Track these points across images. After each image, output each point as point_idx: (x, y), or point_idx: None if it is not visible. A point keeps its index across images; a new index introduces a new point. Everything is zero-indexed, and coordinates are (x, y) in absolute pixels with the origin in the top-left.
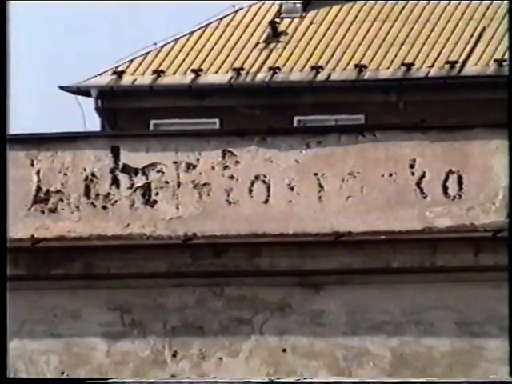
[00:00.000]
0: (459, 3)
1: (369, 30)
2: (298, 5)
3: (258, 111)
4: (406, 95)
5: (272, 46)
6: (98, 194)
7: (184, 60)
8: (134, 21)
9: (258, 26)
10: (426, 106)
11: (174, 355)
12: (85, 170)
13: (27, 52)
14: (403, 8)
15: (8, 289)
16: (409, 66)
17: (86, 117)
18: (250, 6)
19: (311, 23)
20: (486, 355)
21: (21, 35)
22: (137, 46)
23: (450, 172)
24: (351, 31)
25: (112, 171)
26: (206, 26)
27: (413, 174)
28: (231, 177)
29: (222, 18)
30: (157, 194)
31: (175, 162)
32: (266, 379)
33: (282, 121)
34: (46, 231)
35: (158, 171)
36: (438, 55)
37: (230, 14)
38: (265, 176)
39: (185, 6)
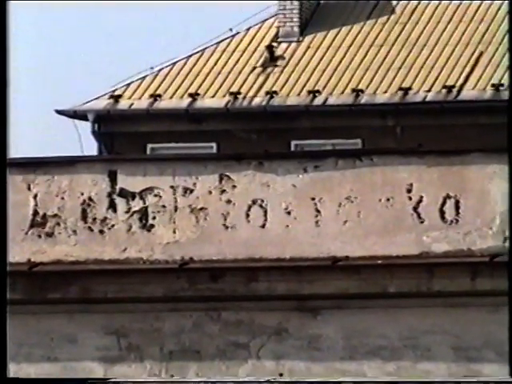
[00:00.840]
0: (456, 27)
1: (366, 55)
2: (296, 29)
3: (254, 135)
4: (403, 120)
5: (269, 70)
6: (95, 218)
7: (181, 84)
8: (130, 44)
9: (255, 50)
10: (423, 130)
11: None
12: (82, 194)
13: (23, 75)
14: (400, 32)
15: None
16: (406, 91)
17: (82, 141)
18: (248, 31)
19: (308, 47)
20: (482, 380)
21: (17, 58)
22: (133, 69)
23: (448, 197)
24: (348, 55)
25: (109, 195)
26: (203, 50)
27: (410, 198)
28: (228, 201)
29: (219, 43)
30: (154, 218)
31: (172, 187)
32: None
33: (279, 145)
34: (42, 255)
35: (155, 195)
36: (436, 80)
37: (227, 39)
38: (262, 200)
39: (182, 29)
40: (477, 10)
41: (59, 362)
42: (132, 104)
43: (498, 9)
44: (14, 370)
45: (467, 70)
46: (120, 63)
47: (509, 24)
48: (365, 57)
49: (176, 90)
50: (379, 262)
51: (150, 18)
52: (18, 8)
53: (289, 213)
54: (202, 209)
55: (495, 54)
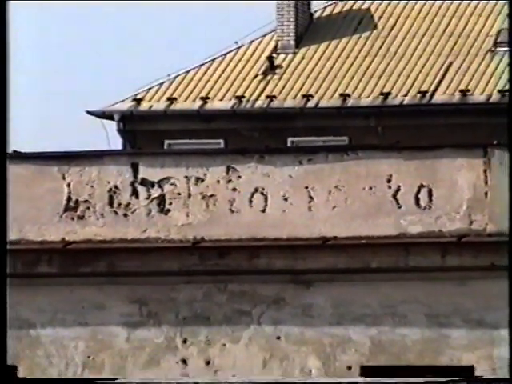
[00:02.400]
0: (429, 41)
1: (352, 64)
2: (292, 42)
3: (256, 133)
4: (384, 120)
5: (269, 77)
6: (119, 204)
7: (193, 89)
8: (150, 54)
9: (258, 60)
10: (400, 129)
11: (185, 341)
12: (108, 182)
13: (56, 82)
14: (381, 45)
15: (43, 284)
16: (386, 95)
17: (109, 138)
18: (251, 43)
19: (303, 58)
20: (451, 343)
21: (49, 65)
22: (153, 76)
23: (422, 186)
24: (337, 65)
25: (132, 184)
26: (213, 59)
27: (389, 187)
28: (234, 189)
29: (226, 53)
30: (170, 203)
31: (186, 177)
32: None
33: (277, 142)
34: (75, 235)
35: (171, 184)
36: (411, 86)
37: (233, 50)
38: (263, 189)
39: (194, 41)
40: (447, 27)
41: (89, 326)
42: (151, 106)
43: (465, 25)
44: (50, 334)
45: (438, 77)
46: (142, 69)
47: (509, 25)
48: (351, 66)
49: (189, 94)
50: (363, 241)
51: (166, 30)
52: (51, 17)
53: (286, 199)
54: (211, 196)
55: (462, 64)
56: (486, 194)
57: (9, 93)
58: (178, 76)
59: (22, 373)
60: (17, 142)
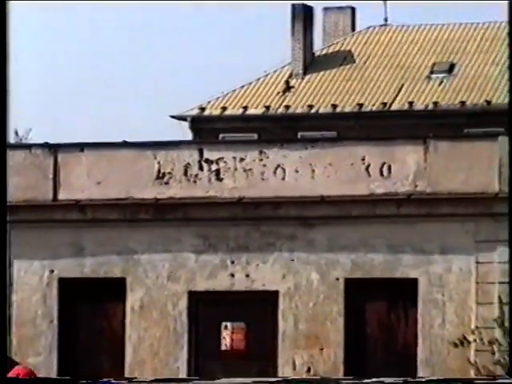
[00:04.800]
0: (389, 70)
1: (339, 85)
2: (301, 71)
3: (278, 129)
4: (360, 121)
5: (286, 94)
6: (191, 174)
7: (238, 101)
8: (208, 76)
9: (279, 83)
10: (370, 127)
11: (232, 262)
12: (184, 161)
13: (142, 87)
14: (358, 73)
15: (142, 226)
16: (361, 105)
17: (184, 132)
18: (274, 72)
19: (308, 82)
20: (402, 263)
21: (133, 77)
22: (213, 92)
23: (384, 163)
24: (330, 86)
25: (199, 162)
26: (250, 83)
27: (363, 164)
28: (264, 165)
29: (258, 79)
30: (223, 174)
31: (234, 157)
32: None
33: (291, 135)
34: (162, 194)
35: (224, 162)
36: (377, 99)
37: (262, 76)
38: (282, 165)
39: (237, 69)
40: (400, 61)
41: (171, 252)
42: (211, 112)
43: (412, 59)
44: (146, 257)
45: (395, 93)
46: (203, 87)
47: (509, 26)
48: (339, 86)
49: (235, 104)
50: (347, 198)
51: (220, 61)
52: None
53: (297, 171)
54: (249, 169)
55: (410, 85)
56: (425, 168)
57: (8, 90)
58: (228, 93)
59: (129, 283)
60: (123, 136)
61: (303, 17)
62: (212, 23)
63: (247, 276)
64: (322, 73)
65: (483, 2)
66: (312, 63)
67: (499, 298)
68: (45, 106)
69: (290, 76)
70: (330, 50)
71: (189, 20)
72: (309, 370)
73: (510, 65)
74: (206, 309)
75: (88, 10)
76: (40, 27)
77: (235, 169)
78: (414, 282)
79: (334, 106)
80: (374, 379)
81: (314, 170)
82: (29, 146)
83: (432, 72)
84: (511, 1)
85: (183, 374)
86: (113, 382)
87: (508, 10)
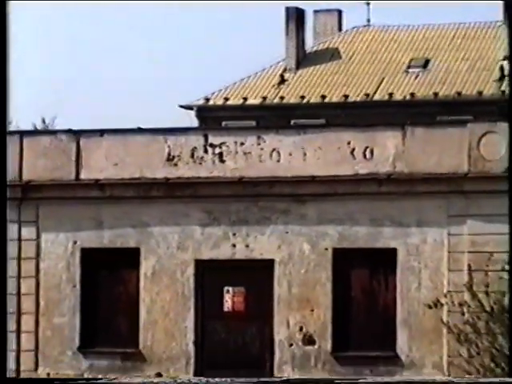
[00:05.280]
0: (370, 66)
1: (327, 79)
2: (294, 66)
3: (274, 117)
4: (345, 110)
5: (281, 86)
6: (197, 157)
7: (238, 92)
8: (213, 70)
9: (275, 76)
10: (354, 115)
11: (234, 234)
12: (191, 145)
13: (154, 78)
14: (344, 68)
15: (154, 202)
16: (346, 96)
17: (191, 120)
18: (271, 67)
19: (300, 76)
20: (383, 236)
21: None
22: (216, 85)
23: (367, 147)
24: (319, 79)
25: (204, 146)
26: (249, 76)
27: (349, 147)
28: (261, 149)
29: (256, 73)
30: (226, 156)
31: (235, 142)
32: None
33: (285, 122)
34: (172, 174)
35: (226, 146)
36: (360, 91)
37: (260, 70)
38: (278, 148)
39: (239, 64)
40: (381, 57)
41: (180, 226)
42: (215, 102)
43: (391, 56)
44: (158, 230)
45: (376, 86)
46: (207, 79)
47: (508, 26)
48: (327, 80)
49: (236, 95)
50: (335, 178)
51: (221, 56)
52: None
53: (290, 154)
54: (248, 152)
55: (390, 79)
56: (403, 151)
57: (8, 87)
58: (229, 85)
59: (142, 253)
60: (137, 123)
61: (296, 18)
62: (215, 24)
63: (247, 246)
64: (312, 68)
65: (455, 4)
66: (304, 59)
67: (468, 265)
68: (68, 96)
69: (284, 70)
70: (320, 48)
71: (195, 21)
72: (301, 329)
73: (510, 64)
74: (211, 275)
75: (103, 4)
76: (63, 17)
77: (236, 152)
78: (393, 252)
79: (323, 97)
80: (369, 379)
81: (305, 153)
82: (54, 132)
83: (409, 67)
84: (508, 2)
85: (190, 333)
86: (113, 381)
87: (507, 10)
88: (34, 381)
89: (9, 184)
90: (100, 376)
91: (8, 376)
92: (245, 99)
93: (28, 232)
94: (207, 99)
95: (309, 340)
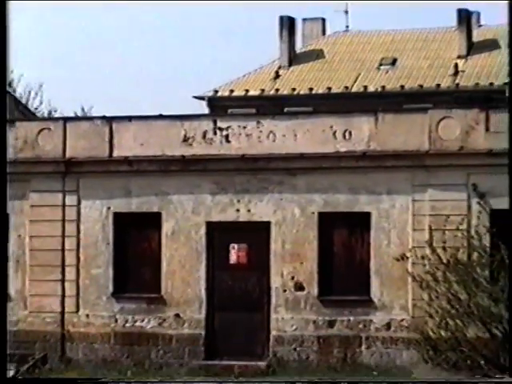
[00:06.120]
0: (349, 64)
1: (314, 75)
2: (286, 64)
3: (270, 106)
4: (329, 100)
5: (276, 81)
6: (208, 138)
7: (241, 85)
8: (221, 67)
9: (270, 73)
10: (336, 104)
11: (238, 201)
12: (203, 128)
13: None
14: (328, 66)
15: (174, 176)
16: (329, 88)
17: (203, 108)
18: (268, 65)
19: (291, 72)
20: (359, 202)
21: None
22: (224, 79)
23: (346, 129)
24: (306, 75)
25: (213, 129)
26: (250, 73)
27: (331, 130)
28: (260, 131)
29: (256, 69)
30: (231, 137)
31: (238, 126)
32: None
33: (279, 109)
34: (187, 152)
35: (232, 129)
36: (341, 84)
37: (259, 68)
38: (274, 131)
39: (243, 63)
40: (358, 57)
41: (193, 194)
42: (222, 94)
43: (365, 55)
44: (176, 198)
45: (353, 80)
46: (216, 73)
47: (509, 24)
48: (313, 76)
49: (240, 88)
50: (320, 155)
51: (227, 54)
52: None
53: (284, 136)
54: (249, 134)
55: (365, 75)
56: (376, 133)
57: (6, 82)
58: (234, 80)
59: (163, 216)
60: (159, 110)
61: (288, 25)
62: (224, 29)
63: (248, 211)
64: (301, 65)
65: (418, 11)
66: (294, 58)
67: (429, 226)
68: (103, 89)
69: (279, 68)
70: (307, 49)
71: (208, 27)
72: (292, 278)
73: (510, 63)
74: (219, 234)
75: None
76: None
77: (239, 134)
78: (367, 215)
79: (311, 89)
80: (369, 379)
81: (296, 135)
82: (91, 118)
83: (380, 64)
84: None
85: (203, 281)
86: (114, 381)
87: (508, 9)
88: (34, 381)
89: (54, 161)
90: (129, 317)
91: (7, 377)
92: (247, 91)
93: (70, 200)
94: (216, 91)
95: (299, 287)
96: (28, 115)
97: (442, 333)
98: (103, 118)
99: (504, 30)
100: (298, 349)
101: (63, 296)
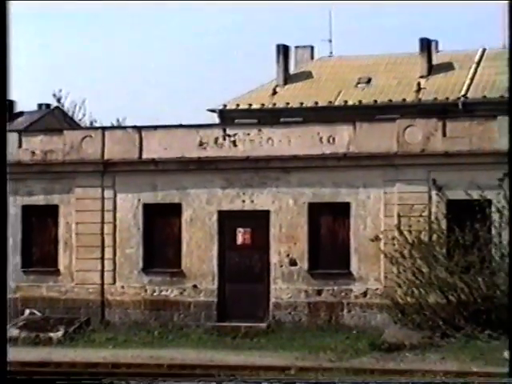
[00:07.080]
0: (334, 83)
1: (305, 92)
2: (281, 83)
3: (269, 117)
4: (317, 112)
5: (274, 96)
6: (219, 143)
7: (246, 100)
8: (229, 86)
9: (269, 90)
10: (323, 115)
11: (243, 193)
12: (215, 135)
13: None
14: (315, 85)
15: (190, 170)
16: (316, 102)
17: (215, 119)
18: (267, 84)
19: (286, 89)
20: (341, 195)
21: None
22: (231, 96)
23: (330, 136)
24: (298, 92)
25: (223, 136)
26: (252, 90)
27: (318, 136)
28: (261, 137)
29: (257, 88)
30: (238, 142)
31: (244, 133)
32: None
33: (276, 120)
34: (202, 155)
35: (238, 136)
36: (327, 97)
37: (260, 86)
38: (273, 137)
39: (249, 80)
40: (341, 75)
41: (207, 188)
42: (230, 107)
43: (348, 73)
44: (192, 191)
45: (336, 95)
46: (225, 90)
47: (509, 25)
48: (304, 92)
49: (244, 102)
50: (309, 156)
51: (236, 73)
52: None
53: (280, 141)
54: (253, 140)
55: (347, 90)
56: (354, 138)
57: (7, 84)
58: (239, 96)
59: (183, 206)
60: (179, 121)
61: (283, 51)
62: (233, 56)
63: (252, 201)
64: (294, 84)
65: (389, 38)
66: (289, 78)
67: (398, 213)
68: (134, 104)
69: (276, 86)
70: (299, 71)
71: (219, 53)
72: (288, 255)
73: (509, 65)
74: (228, 221)
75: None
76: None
77: (244, 139)
78: (348, 205)
79: (301, 103)
80: (370, 379)
81: (290, 140)
82: (125, 127)
83: (358, 83)
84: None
85: (215, 259)
86: (114, 382)
87: (508, 9)
88: (34, 381)
89: (95, 162)
90: (156, 287)
91: (8, 374)
92: (250, 105)
93: (108, 193)
94: (225, 105)
95: (293, 262)
96: (74, 125)
97: (409, 299)
98: (134, 127)
99: (458, 55)
100: (292, 313)
101: (102, 271)
